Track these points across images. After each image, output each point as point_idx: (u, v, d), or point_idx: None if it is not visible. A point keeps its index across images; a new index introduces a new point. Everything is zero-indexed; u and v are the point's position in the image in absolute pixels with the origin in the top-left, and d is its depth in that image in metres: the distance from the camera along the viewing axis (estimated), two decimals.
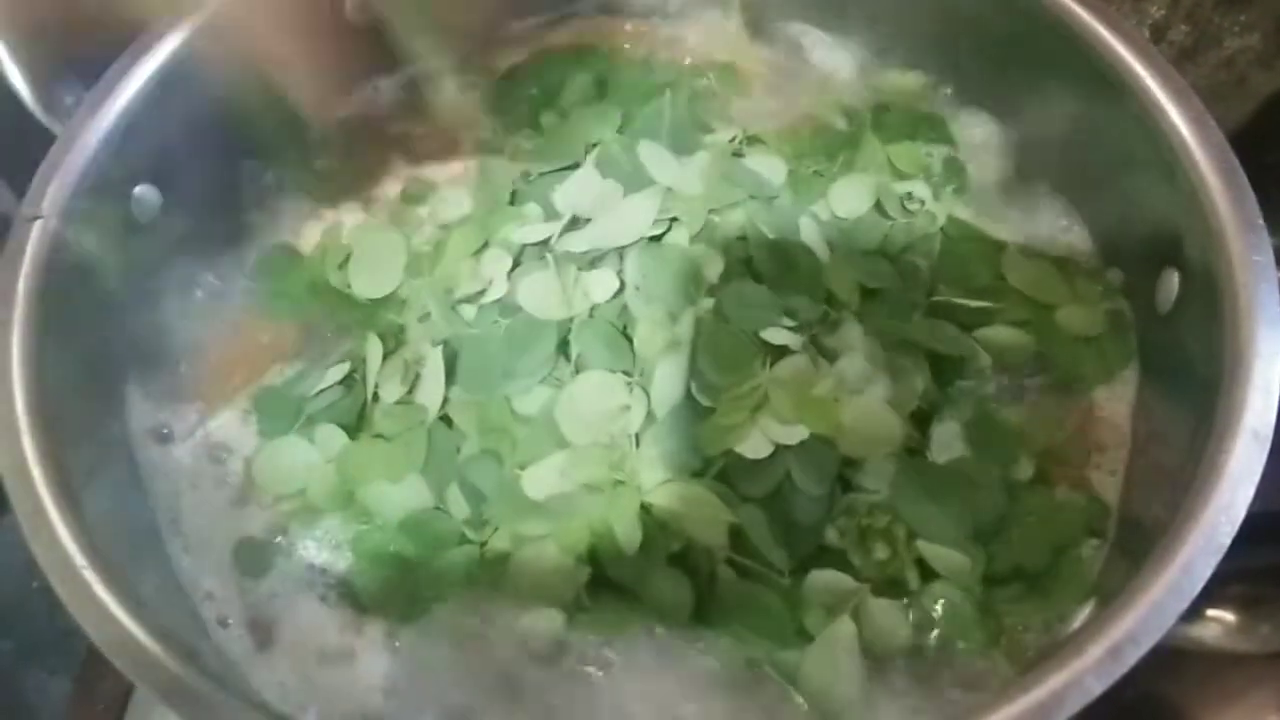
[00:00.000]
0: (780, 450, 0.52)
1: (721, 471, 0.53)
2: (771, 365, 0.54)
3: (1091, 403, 0.59)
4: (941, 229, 0.62)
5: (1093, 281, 0.62)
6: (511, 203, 0.61)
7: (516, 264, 0.58)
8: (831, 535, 0.53)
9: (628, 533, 0.52)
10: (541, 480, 0.53)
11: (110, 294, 0.57)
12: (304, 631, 0.55)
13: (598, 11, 0.72)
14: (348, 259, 0.62)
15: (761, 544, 0.52)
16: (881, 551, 0.53)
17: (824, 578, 0.53)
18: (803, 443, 0.52)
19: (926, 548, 0.53)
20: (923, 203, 0.63)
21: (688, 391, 0.54)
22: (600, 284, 0.56)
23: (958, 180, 0.66)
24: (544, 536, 0.53)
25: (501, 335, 0.55)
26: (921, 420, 0.56)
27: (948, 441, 0.55)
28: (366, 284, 0.61)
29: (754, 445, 0.52)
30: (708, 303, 0.55)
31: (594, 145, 0.62)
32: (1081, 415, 0.59)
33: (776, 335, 0.55)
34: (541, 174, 0.61)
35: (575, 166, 0.61)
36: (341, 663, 0.54)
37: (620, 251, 0.57)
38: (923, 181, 0.64)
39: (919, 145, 0.66)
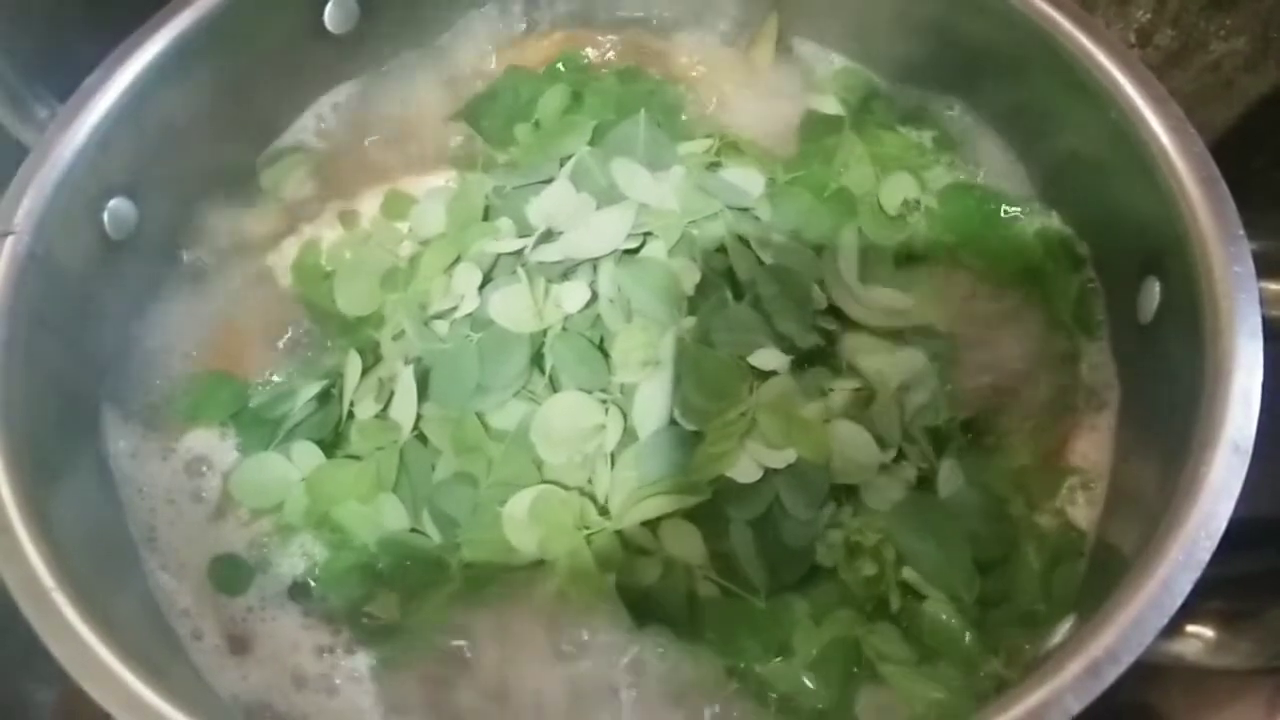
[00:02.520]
0: (769, 474, 0.52)
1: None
2: (757, 388, 0.54)
3: (1075, 424, 0.59)
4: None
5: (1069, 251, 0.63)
6: (485, 218, 0.61)
7: (488, 279, 0.57)
8: (820, 550, 0.53)
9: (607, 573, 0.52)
10: (521, 524, 0.53)
11: (84, 309, 0.57)
12: (280, 647, 0.55)
13: (575, 23, 0.72)
14: (328, 275, 0.62)
15: (748, 564, 0.52)
16: (868, 568, 0.53)
17: (815, 599, 0.53)
18: (791, 466, 0.52)
19: (913, 575, 0.53)
20: (918, 202, 0.63)
21: (670, 415, 0.53)
22: (572, 295, 0.55)
23: (951, 154, 0.66)
24: (523, 567, 0.54)
25: (474, 349, 0.55)
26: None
27: (949, 475, 0.55)
28: (349, 301, 0.61)
29: (744, 469, 0.52)
30: (688, 321, 0.55)
31: (568, 158, 0.61)
32: (1064, 436, 0.59)
33: (765, 360, 0.54)
34: (515, 188, 0.61)
35: (550, 181, 0.60)
36: (318, 678, 0.54)
37: (594, 264, 0.56)
38: (909, 175, 0.64)
39: (909, 130, 0.67)
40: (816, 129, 0.67)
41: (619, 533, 0.53)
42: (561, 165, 0.61)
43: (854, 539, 0.53)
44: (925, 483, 0.55)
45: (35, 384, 0.52)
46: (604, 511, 0.53)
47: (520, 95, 0.68)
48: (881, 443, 0.54)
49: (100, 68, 0.56)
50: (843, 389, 0.55)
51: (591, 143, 0.62)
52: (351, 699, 0.53)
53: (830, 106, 0.68)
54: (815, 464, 0.52)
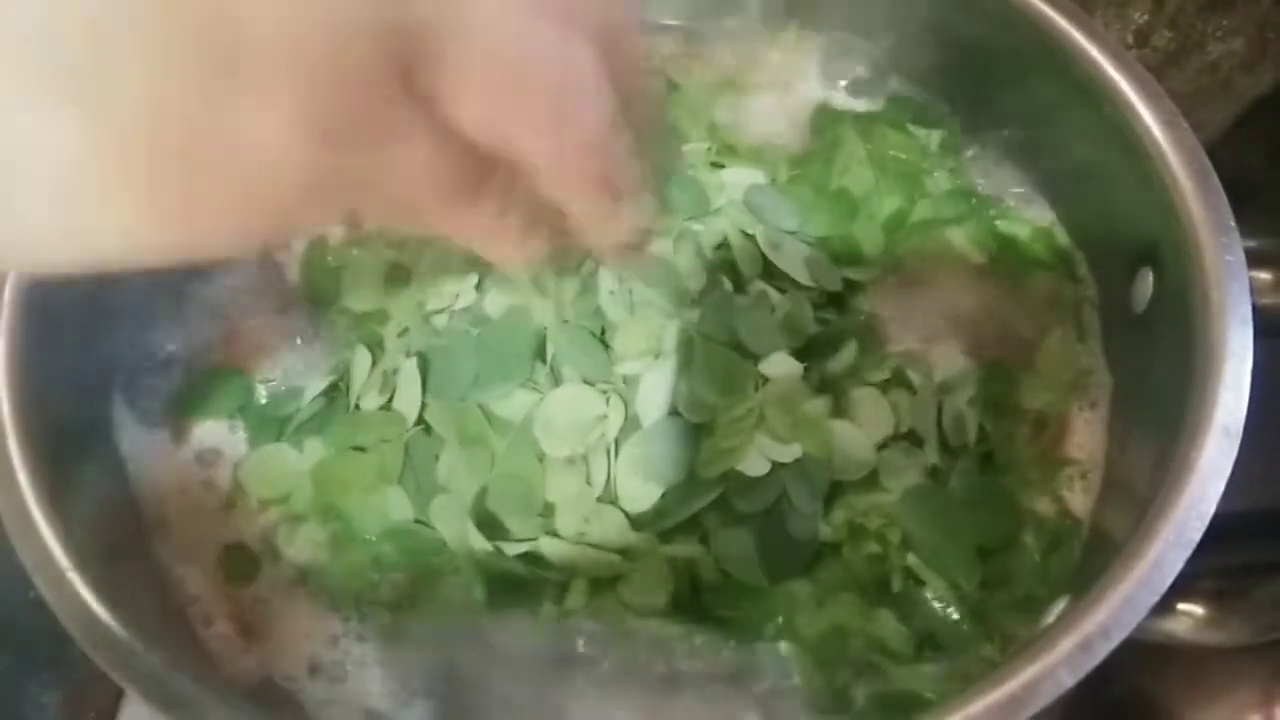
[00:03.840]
0: (776, 468, 0.53)
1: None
2: (763, 383, 0.55)
3: (1071, 416, 0.60)
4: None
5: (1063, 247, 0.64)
6: None
7: (488, 273, 0.58)
8: (826, 530, 0.54)
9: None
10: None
11: (96, 304, 0.58)
12: (289, 634, 0.55)
13: None
14: (335, 271, 0.63)
15: (744, 570, 0.53)
16: (872, 547, 0.54)
17: (819, 580, 0.54)
18: (796, 461, 0.53)
19: (915, 561, 0.54)
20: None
21: (671, 405, 0.54)
22: (571, 286, 0.56)
23: (953, 157, 0.67)
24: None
25: (472, 342, 0.56)
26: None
27: (963, 472, 0.56)
28: (356, 297, 0.62)
29: (753, 464, 0.53)
30: (691, 313, 0.56)
31: None
32: (1061, 428, 0.59)
33: (769, 355, 0.55)
34: None
35: None
36: (327, 665, 0.55)
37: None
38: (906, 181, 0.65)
39: (919, 130, 0.67)
40: (823, 128, 0.68)
41: (622, 550, 0.53)
42: None
43: (858, 521, 0.54)
44: (935, 474, 0.56)
45: (49, 376, 0.53)
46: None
47: None
48: (914, 436, 0.56)
49: None
50: (878, 376, 0.56)
51: None
52: (360, 685, 0.54)
53: (838, 106, 0.69)
54: (818, 459, 0.53)
